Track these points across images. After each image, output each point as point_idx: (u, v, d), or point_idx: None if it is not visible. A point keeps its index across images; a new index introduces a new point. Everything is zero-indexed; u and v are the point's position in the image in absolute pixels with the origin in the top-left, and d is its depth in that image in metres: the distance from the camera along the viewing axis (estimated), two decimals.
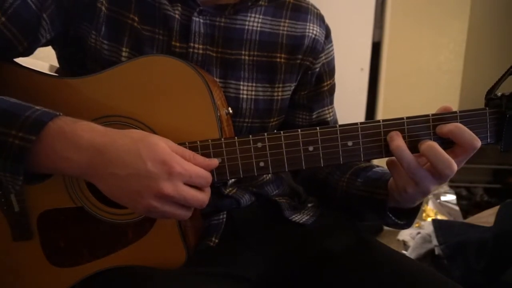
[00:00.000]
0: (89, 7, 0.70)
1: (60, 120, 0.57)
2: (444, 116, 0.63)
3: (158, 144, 0.57)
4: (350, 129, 0.63)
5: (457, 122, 0.63)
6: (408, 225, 0.74)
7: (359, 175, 0.78)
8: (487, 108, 0.64)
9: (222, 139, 0.63)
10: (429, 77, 2.65)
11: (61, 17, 0.69)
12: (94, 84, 0.66)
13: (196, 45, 0.73)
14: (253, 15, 0.77)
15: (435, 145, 0.61)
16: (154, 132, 0.65)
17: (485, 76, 2.71)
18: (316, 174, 0.87)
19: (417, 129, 0.63)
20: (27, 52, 0.69)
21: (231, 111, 0.72)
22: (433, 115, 0.64)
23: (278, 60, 0.79)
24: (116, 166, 0.56)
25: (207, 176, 0.60)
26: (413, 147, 0.63)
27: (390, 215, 0.72)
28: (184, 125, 0.65)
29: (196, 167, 0.59)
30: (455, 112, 0.63)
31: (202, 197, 0.60)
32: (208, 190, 0.62)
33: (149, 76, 0.65)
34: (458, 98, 2.65)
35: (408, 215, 0.73)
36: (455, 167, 0.61)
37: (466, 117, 0.63)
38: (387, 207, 0.71)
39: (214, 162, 0.62)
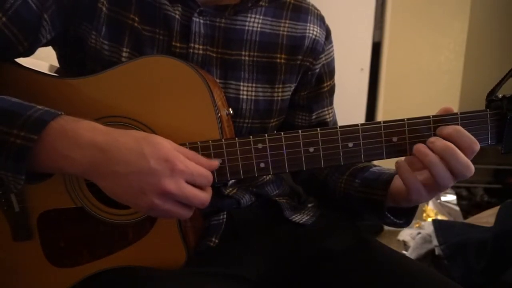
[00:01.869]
0: (90, 7, 0.70)
1: (62, 119, 0.57)
2: (445, 118, 0.63)
3: (161, 143, 0.58)
4: (350, 130, 0.64)
5: (458, 123, 0.63)
6: (407, 223, 0.75)
7: (356, 175, 0.79)
8: (488, 109, 0.64)
9: (223, 139, 0.63)
10: (429, 77, 2.65)
11: (62, 17, 0.69)
12: (95, 85, 0.66)
13: (197, 46, 0.73)
14: (253, 15, 0.77)
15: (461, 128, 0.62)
16: (155, 133, 0.65)
17: (485, 76, 2.70)
18: (316, 175, 0.88)
19: (418, 130, 0.64)
20: (28, 52, 0.69)
21: (231, 112, 0.72)
22: (433, 116, 0.64)
23: (278, 60, 0.79)
24: (118, 164, 0.56)
25: (209, 175, 0.60)
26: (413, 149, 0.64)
27: (389, 215, 0.72)
28: (185, 126, 0.65)
29: (198, 166, 0.59)
30: (456, 113, 0.64)
31: (204, 196, 0.60)
32: (209, 190, 0.62)
33: (149, 77, 0.65)
34: (458, 98, 2.65)
35: (407, 214, 0.73)
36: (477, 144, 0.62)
37: (467, 118, 0.63)
38: (385, 208, 0.71)
39: (215, 163, 0.63)
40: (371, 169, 0.78)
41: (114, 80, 0.66)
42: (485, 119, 0.64)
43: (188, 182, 0.58)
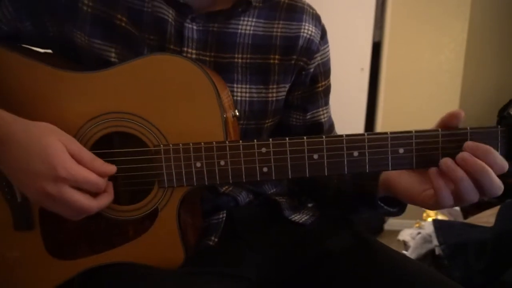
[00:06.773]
0: (69, 8, 0.70)
1: None
2: (454, 132, 0.62)
3: (51, 145, 0.59)
4: (356, 139, 0.62)
5: (467, 139, 0.61)
6: (400, 211, 0.74)
7: None
8: (499, 126, 0.62)
9: (227, 142, 0.63)
10: (429, 77, 2.65)
11: (29, 9, 0.70)
12: (103, 80, 0.66)
13: (190, 50, 0.73)
14: (246, 18, 0.76)
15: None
16: (160, 131, 0.65)
17: (485, 76, 2.71)
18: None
19: (426, 143, 0.62)
20: None
21: (237, 114, 0.72)
22: (442, 130, 0.62)
23: (272, 61, 0.78)
24: (10, 160, 0.61)
25: (97, 182, 0.61)
26: (420, 162, 0.62)
27: (381, 204, 0.72)
28: (190, 126, 0.64)
29: (85, 173, 0.60)
30: (466, 128, 0.62)
31: (87, 203, 0.61)
32: (104, 197, 0.64)
33: (157, 74, 0.65)
34: (458, 98, 2.65)
35: (400, 201, 0.73)
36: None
37: (477, 134, 0.62)
38: (377, 197, 0.71)
39: (110, 169, 0.64)
40: None
41: (122, 76, 0.66)
42: (495, 136, 0.62)
43: (74, 187, 0.60)
